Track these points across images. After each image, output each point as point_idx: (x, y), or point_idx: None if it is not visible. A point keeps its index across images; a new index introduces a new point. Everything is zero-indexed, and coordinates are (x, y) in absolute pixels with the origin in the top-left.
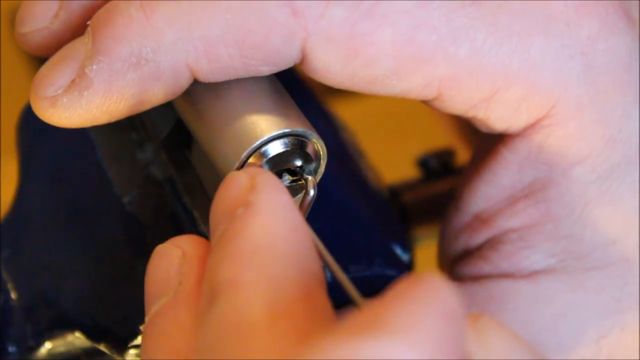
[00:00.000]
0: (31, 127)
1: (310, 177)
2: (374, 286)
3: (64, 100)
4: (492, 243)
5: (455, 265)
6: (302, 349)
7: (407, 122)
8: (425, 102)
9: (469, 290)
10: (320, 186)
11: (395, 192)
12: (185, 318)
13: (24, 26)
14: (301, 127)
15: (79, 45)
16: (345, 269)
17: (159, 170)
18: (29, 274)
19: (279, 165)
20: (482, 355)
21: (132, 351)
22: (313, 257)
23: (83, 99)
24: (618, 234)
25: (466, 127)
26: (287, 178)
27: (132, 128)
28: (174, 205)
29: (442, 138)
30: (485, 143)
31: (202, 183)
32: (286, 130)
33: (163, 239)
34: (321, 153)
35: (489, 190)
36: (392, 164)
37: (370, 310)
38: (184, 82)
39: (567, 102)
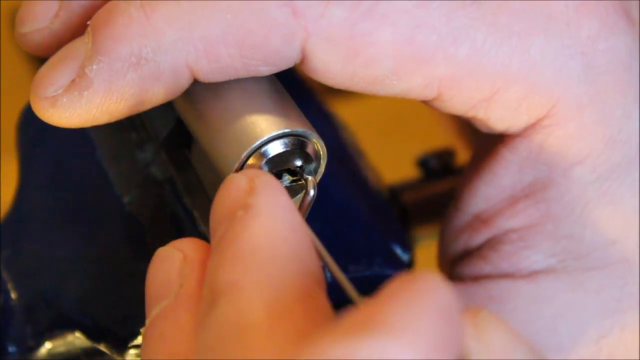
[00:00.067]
0: (31, 127)
1: (310, 177)
2: (374, 286)
3: (64, 100)
4: (492, 243)
5: (455, 265)
6: (301, 349)
7: (407, 122)
8: (425, 102)
9: (468, 291)
10: (320, 186)
11: (395, 192)
12: (186, 320)
13: (24, 26)
14: (301, 127)
15: (79, 45)
16: (345, 269)
17: (159, 170)
18: (29, 274)
19: (279, 166)
20: (480, 350)
21: (132, 351)
22: (312, 258)
23: (83, 99)
24: (618, 234)
25: (466, 127)
26: (287, 178)
27: (132, 128)
28: (174, 205)
29: (442, 138)
30: (485, 143)
31: (202, 183)
32: (286, 130)
33: (163, 239)
34: (321, 153)
35: (489, 191)
36: (392, 164)
37: (367, 309)
38: (184, 82)
39: (567, 102)
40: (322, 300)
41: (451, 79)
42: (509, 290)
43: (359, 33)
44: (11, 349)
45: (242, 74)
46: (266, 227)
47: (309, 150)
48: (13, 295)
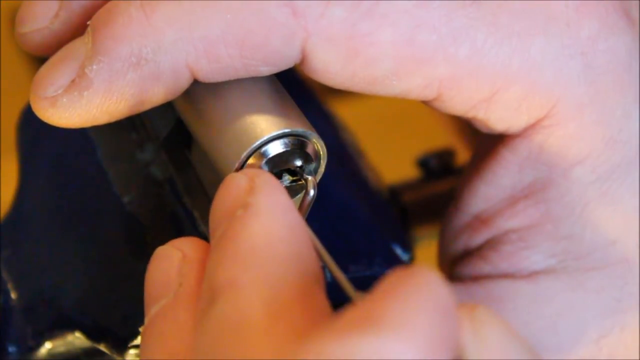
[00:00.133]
0: (31, 127)
1: (310, 177)
2: (374, 286)
3: (64, 100)
4: (492, 243)
5: (455, 265)
6: (299, 347)
7: (407, 122)
8: (425, 103)
9: (468, 291)
10: (320, 186)
11: (395, 192)
12: (185, 319)
13: (24, 26)
14: (301, 127)
15: (79, 45)
16: (345, 269)
17: (159, 170)
18: (29, 274)
19: (279, 166)
20: (476, 345)
21: (132, 351)
22: (312, 257)
23: (83, 99)
24: (618, 234)
25: (466, 127)
26: (287, 178)
27: (132, 128)
28: (174, 205)
29: (442, 138)
30: (485, 143)
31: (202, 183)
32: (286, 130)
33: (163, 238)
34: (321, 153)
35: (489, 191)
36: (392, 164)
37: (364, 306)
38: (184, 82)
39: (567, 102)
40: (321, 300)
41: (451, 79)
42: (509, 291)
43: (359, 33)
44: (11, 349)
45: (242, 74)
46: (266, 226)
47: (309, 150)
48: (13, 295)
